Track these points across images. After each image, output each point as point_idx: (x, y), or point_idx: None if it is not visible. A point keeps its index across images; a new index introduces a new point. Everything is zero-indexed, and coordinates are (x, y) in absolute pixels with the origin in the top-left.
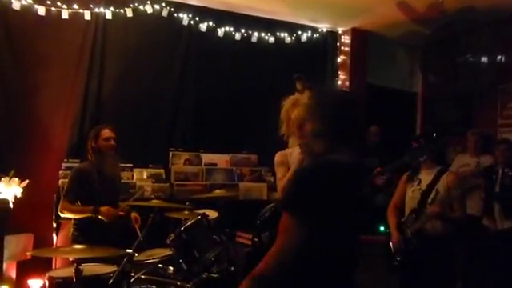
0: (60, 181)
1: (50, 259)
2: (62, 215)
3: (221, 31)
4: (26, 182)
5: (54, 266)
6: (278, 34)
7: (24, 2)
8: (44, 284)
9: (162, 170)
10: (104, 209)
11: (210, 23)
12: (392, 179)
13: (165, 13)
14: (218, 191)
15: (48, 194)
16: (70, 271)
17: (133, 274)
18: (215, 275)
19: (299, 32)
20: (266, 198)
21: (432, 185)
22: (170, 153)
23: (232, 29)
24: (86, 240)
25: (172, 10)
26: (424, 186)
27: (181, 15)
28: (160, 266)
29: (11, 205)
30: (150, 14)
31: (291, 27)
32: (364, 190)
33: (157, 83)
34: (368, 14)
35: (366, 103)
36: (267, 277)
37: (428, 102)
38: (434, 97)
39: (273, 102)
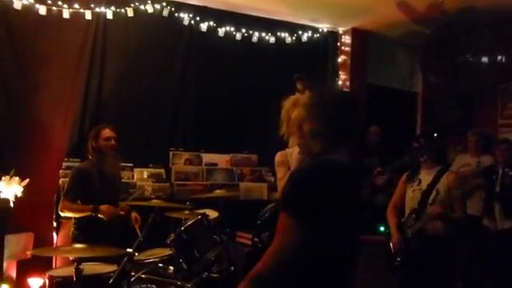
0: (60, 180)
1: (51, 258)
2: (62, 214)
3: (221, 31)
4: (27, 181)
5: (54, 265)
6: (278, 33)
7: (25, 2)
8: (44, 283)
9: (162, 170)
10: (103, 207)
11: (211, 23)
12: (392, 179)
13: (165, 12)
14: (218, 191)
15: (48, 193)
16: (70, 270)
17: (133, 274)
18: (215, 275)
19: (300, 32)
20: (267, 198)
21: (432, 185)
22: (171, 152)
23: (233, 29)
24: (86, 239)
25: (173, 9)
26: (424, 186)
27: (181, 15)
28: (160, 265)
29: (11, 204)
30: (151, 13)
31: (292, 27)
32: (363, 190)
33: (157, 83)
34: (368, 13)
35: (366, 103)
36: (265, 277)
37: (428, 101)
38: (434, 97)
39: (273, 102)
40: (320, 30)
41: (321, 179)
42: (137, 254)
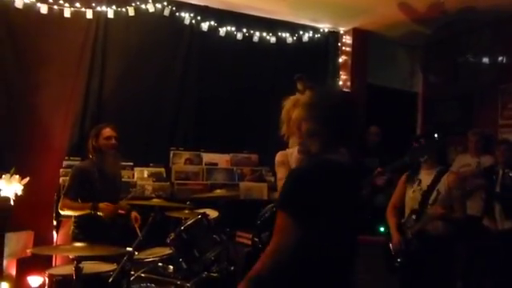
0: (61, 179)
1: (50, 257)
2: (62, 213)
3: (222, 31)
4: (27, 179)
5: (54, 264)
6: (279, 33)
7: (26, 1)
8: (44, 281)
9: (162, 169)
10: (103, 205)
11: (212, 23)
12: (392, 179)
13: (166, 12)
14: (218, 191)
15: (49, 192)
16: (69, 269)
17: (133, 273)
18: (215, 275)
19: (301, 32)
20: (267, 197)
21: (433, 185)
22: (171, 152)
23: (234, 28)
24: (86, 238)
25: (174, 9)
26: (424, 186)
27: (182, 14)
28: (160, 264)
29: (12, 202)
30: (152, 13)
31: (293, 27)
32: (363, 191)
33: (158, 82)
34: (369, 14)
35: (367, 103)
36: (263, 276)
37: (428, 102)
38: (434, 97)
39: (274, 102)
40: (321, 30)
41: (319, 179)
42: (136, 253)
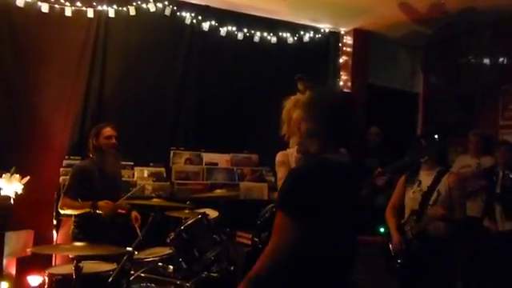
0: (61, 178)
1: (50, 256)
2: (62, 212)
3: (223, 30)
4: (27, 178)
5: (53, 263)
6: (280, 34)
7: None
8: (43, 281)
9: (162, 169)
10: (102, 203)
11: (213, 22)
12: (393, 180)
13: (167, 11)
14: (218, 191)
15: (49, 191)
16: (69, 268)
17: (132, 272)
18: (215, 274)
19: (301, 32)
20: (267, 197)
21: (433, 186)
22: (171, 152)
23: (234, 28)
24: (86, 237)
25: (174, 8)
26: (425, 187)
27: (183, 14)
28: (160, 264)
29: (12, 201)
30: (153, 12)
31: (293, 27)
32: (363, 191)
33: (159, 82)
34: (369, 14)
35: (368, 103)
36: (263, 276)
37: (429, 102)
38: (435, 97)
39: (274, 102)
40: (321, 30)
41: (317, 178)
42: (136, 252)
